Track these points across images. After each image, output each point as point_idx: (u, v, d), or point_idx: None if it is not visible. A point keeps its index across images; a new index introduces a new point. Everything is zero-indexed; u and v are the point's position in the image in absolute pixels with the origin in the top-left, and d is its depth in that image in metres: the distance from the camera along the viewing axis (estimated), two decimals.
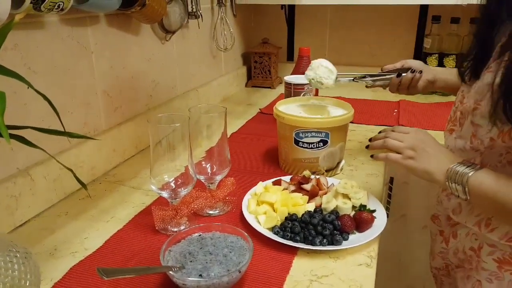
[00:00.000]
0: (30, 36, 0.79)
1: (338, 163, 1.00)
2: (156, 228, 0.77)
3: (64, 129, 0.58)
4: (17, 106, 0.77)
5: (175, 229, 0.76)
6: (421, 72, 0.98)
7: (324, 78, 1.00)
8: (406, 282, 1.44)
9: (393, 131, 0.78)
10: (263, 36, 1.85)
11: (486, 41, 0.69)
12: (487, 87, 0.64)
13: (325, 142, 0.95)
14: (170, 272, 0.58)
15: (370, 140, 0.83)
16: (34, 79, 0.79)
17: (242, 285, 0.63)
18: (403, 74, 0.99)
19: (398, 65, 1.02)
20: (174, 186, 0.76)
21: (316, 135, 0.94)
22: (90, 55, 0.95)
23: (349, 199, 0.81)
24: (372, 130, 1.29)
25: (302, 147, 0.96)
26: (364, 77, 1.03)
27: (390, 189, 1.32)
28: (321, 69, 1.01)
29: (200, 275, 0.59)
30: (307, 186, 0.86)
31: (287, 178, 0.91)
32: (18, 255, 0.54)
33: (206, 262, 0.62)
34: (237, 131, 1.31)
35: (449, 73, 1.01)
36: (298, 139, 0.95)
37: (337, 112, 1.02)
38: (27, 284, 0.53)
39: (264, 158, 1.10)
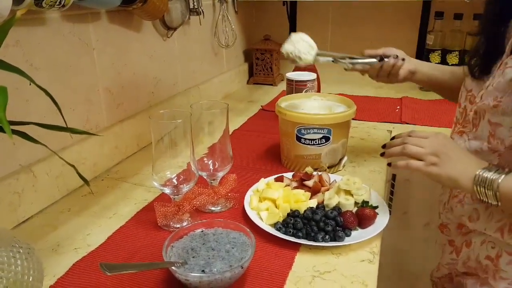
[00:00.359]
0: (32, 32, 0.79)
1: (340, 159, 1.00)
2: (159, 224, 0.77)
3: (67, 125, 0.58)
4: (18, 103, 0.77)
5: (177, 226, 0.77)
6: (403, 59, 0.94)
7: (303, 53, 0.93)
8: (408, 278, 1.44)
9: (409, 135, 0.74)
10: (265, 33, 1.84)
11: (496, 38, 0.68)
12: (511, 83, 0.62)
13: (327, 139, 0.95)
14: (173, 267, 0.58)
15: (383, 146, 0.79)
16: (35, 76, 0.79)
17: (245, 281, 0.63)
18: (386, 60, 0.94)
19: (380, 51, 0.96)
20: (176, 183, 0.76)
21: (318, 131, 0.94)
22: (92, 52, 0.95)
23: (352, 195, 0.81)
24: (375, 127, 1.29)
25: (304, 143, 0.95)
26: (344, 58, 0.96)
27: (393, 186, 1.31)
28: (301, 44, 0.94)
29: (203, 271, 0.59)
30: (309, 183, 0.86)
31: (289, 175, 0.91)
32: (21, 251, 0.54)
33: (209, 258, 0.62)
34: (239, 128, 1.31)
35: (433, 68, 0.97)
36: (300, 135, 0.95)
37: (339, 109, 1.02)
38: (30, 280, 0.54)
39: (266, 155, 1.10)
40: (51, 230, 0.78)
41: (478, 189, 0.64)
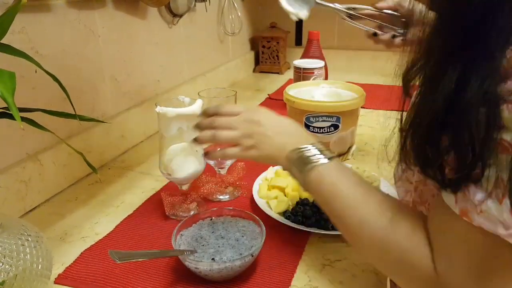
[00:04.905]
0: (37, 19, 0.78)
1: (349, 148, 0.99)
2: (166, 213, 0.77)
3: (75, 111, 0.57)
4: (25, 90, 0.77)
5: (185, 215, 0.76)
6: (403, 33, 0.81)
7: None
8: None
9: (218, 113, 0.64)
10: (271, 20, 1.82)
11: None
12: None
13: (336, 127, 0.93)
14: (183, 256, 0.58)
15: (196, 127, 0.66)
16: (41, 63, 0.78)
17: (255, 269, 0.62)
18: (396, 35, 0.80)
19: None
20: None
21: (327, 119, 0.93)
22: (97, 39, 0.94)
23: None
24: (383, 115, 1.27)
25: (312, 131, 0.94)
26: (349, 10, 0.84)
27: None
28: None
29: (213, 259, 0.58)
30: None
31: None
32: (30, 239, 0.53)
33: (218, 246, 0.61)
34: None
35: None
36: (308, 123, 0.94)
37: (348, 96, 1.01)
38: (39, 268, 0.53)
39: None
40: (59, 218, 0.77)
41: (292, 169, 0.56)
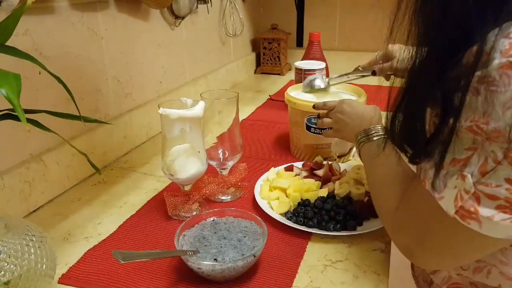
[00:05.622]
0: (41, 21, 0.79)
1: (351, 149, 0.99)
2: (169, 214, 0.77)
3: (80, 113, 0.58)
4: (28, 92, 0.77)
5: (187, 215, 0.76)
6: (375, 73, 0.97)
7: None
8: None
9: (321, 108, 0.89)
10: (272, 22, 1.82)
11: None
12: None
13: None
14: (185, 256, 0.58)
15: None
16: (45, 64, 0.78)
17: (256, 269, 0.63)
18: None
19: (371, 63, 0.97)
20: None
21: None
22: (100, 41, 0.95)
23: (362, 184, 0.80)
24: (384, 116, 1.27)
25: (314, 132, 0.95)
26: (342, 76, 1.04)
27: None
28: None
29: (215, 259, 0.59)
30: (320, 172, 0.85)
31: (299, 164, 0.91)
32: (34, 239, 0.54)
33: (221, 247, 0.62)
34: (247, 118, 1.30)
35: None
36: (310, 124, 0.94)
37: (350, 98, 1.01)
38: (44, 268, 0.54)
39: (275, 145, 1.09)
40: (62, 219, 0.78)
41: (354, 143, 0.75)
